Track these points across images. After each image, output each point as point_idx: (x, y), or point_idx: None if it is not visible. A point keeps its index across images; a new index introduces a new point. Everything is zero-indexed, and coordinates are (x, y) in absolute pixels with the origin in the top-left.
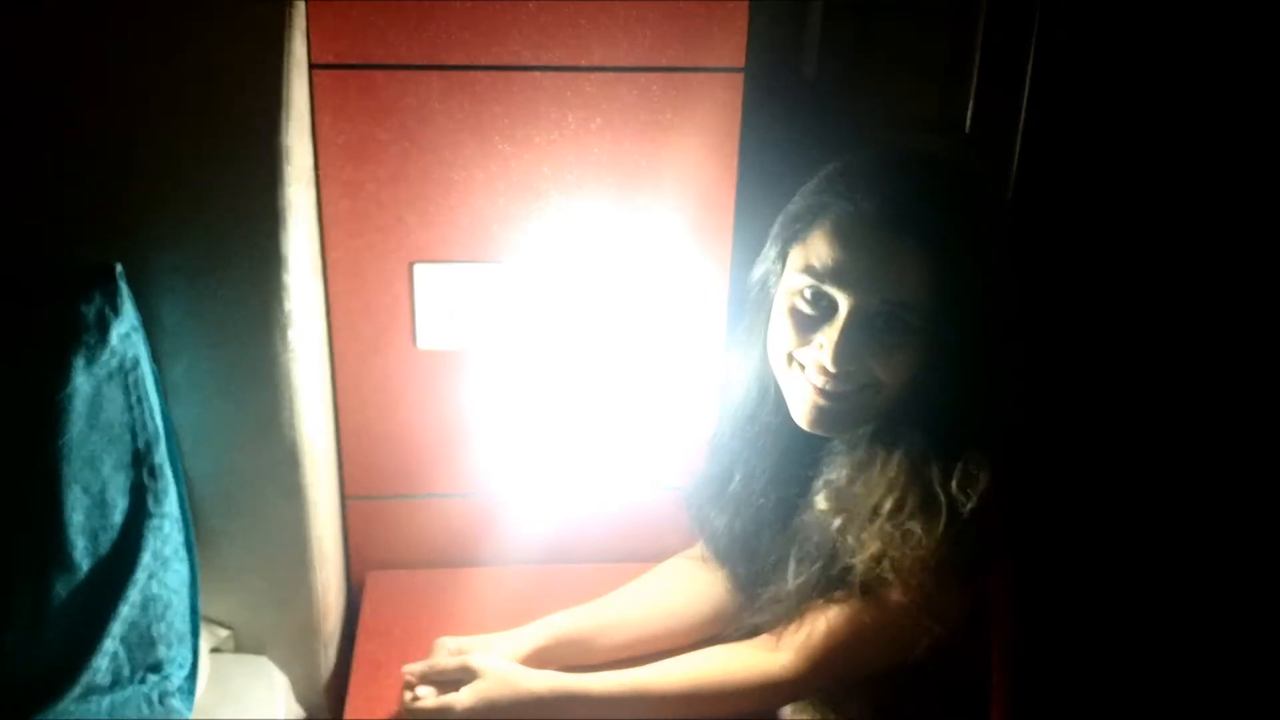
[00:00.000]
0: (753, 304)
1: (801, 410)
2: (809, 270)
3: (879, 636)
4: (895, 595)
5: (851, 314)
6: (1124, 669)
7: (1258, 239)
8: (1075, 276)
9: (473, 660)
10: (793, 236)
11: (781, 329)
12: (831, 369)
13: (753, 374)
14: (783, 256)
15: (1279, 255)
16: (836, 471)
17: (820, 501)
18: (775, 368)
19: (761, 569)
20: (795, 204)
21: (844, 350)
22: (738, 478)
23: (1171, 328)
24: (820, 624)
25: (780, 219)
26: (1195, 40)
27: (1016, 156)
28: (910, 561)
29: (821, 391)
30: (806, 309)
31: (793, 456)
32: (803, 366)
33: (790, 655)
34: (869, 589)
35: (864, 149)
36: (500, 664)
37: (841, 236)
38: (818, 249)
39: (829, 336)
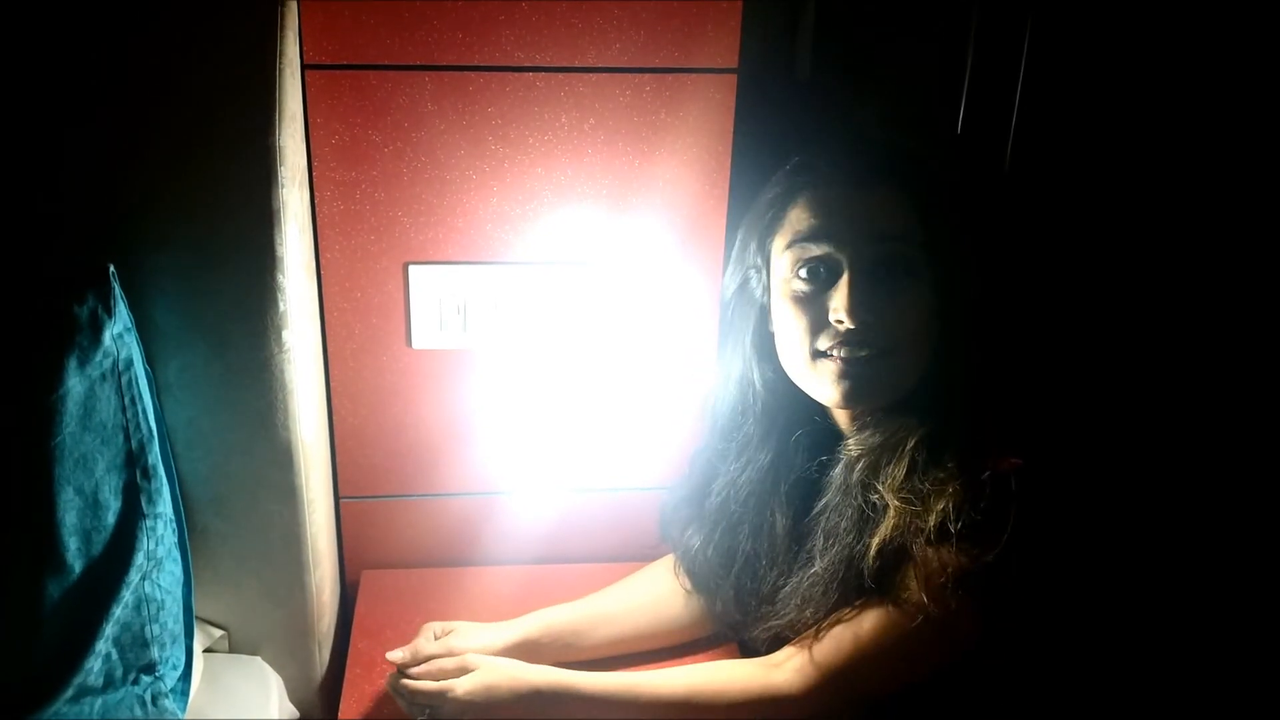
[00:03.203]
0: (731, 315)
1: (832, 391)
2: (797, 245)
3: (889, 656)
4: (914, 616)
5: (854, 264)
6: (1124, 672)
7: (1244, 235)
8: (1067, 278)
9: (471, 658)
10: (768, 228)
11: (790, 325)
12: (850, 324)
13: (735, 387)
14: (763, 251)
15: (1263, 250)
16: (855, 449)
17: (846, 455)
18: (797, 374)
19: (755, 590)
20: (761, 200)
21: (857, 301)
22: (715, 492)
23: (1167, 329)
24: (829, 642)
25: (746, 220)
26: (1186, 45)
27: (1009, 157)
28: (929, 548)
29: (847, 363)
30: (806, 287)
31: (776, 471)
32: (826, 355)
33: (796, 671)
34: (884, 598)
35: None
36: (499, 657)
37: (821, 203)
38: (801, 222)
39: (840, 296)
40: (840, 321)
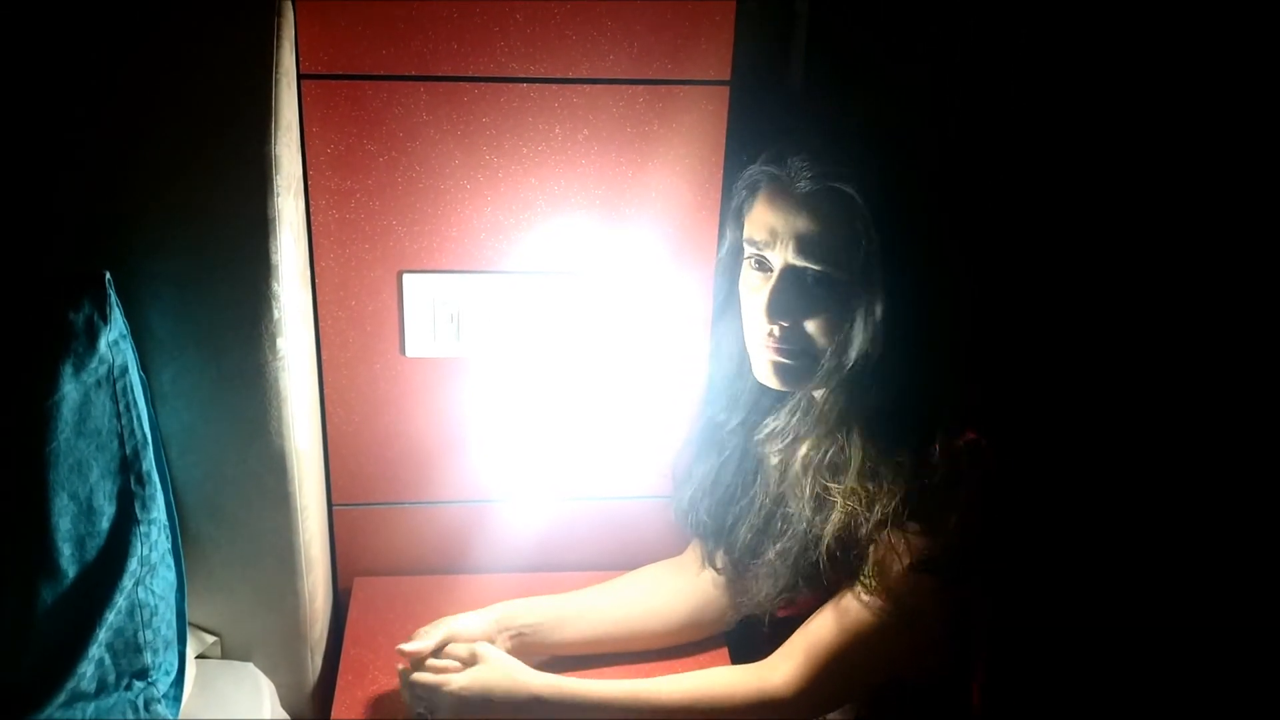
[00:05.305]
0: (727, 271)
1: (763, 373)
2: (750, 241)
3: (869, 647)
4: (881, 602)
5: (782, 272)
6: (1103, 671)
7: (1227, 246)
8: (1056, 283)
9: (478, 648)
10: (741, 207)
11: (744, 305)
12: (769, 325)
13: (733, 345)
14: (738, 226)
15: (1246, 259)
16: (785, 423)
17: (772, 456)
18: (747, 339)
19: (747, 545)
20: (743, 175)
21: (776, 306)
22: (716, 446)
23: (1151, 335)
24: (814, 641)
25: (735, 188)
26: (1179, 53)
27: (1001, 167)
28: (883, 534)
29: (772, 353)
30: (753, 276)
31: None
32: (760, 341)
33: (787, 673)
34: (855, 590)
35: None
36: (503, 657)
37: (773, 203)
38: (756, 217)
39: (764, 296)
40: (763, 320)
